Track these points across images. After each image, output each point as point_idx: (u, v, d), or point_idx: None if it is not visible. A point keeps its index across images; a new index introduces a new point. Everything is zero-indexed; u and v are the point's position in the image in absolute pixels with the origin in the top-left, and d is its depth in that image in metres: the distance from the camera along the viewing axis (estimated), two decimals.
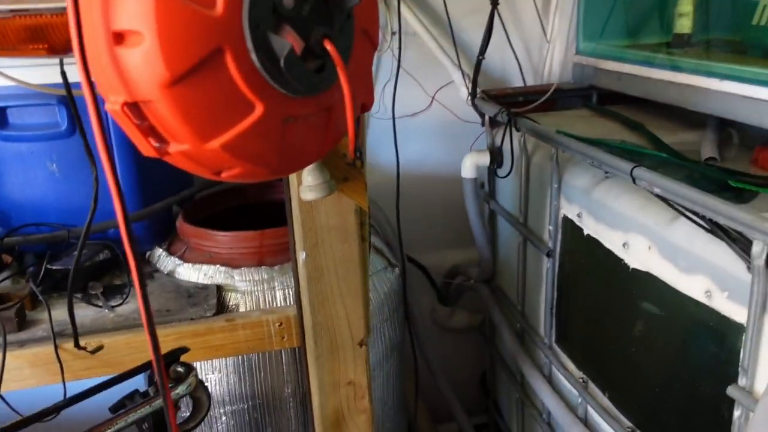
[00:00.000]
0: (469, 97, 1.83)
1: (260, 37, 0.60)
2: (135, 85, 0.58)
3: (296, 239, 1.04)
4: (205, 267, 1.31)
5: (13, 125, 1.33)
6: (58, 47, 0.68)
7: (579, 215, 1.27)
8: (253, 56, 0.60)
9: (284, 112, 0.65)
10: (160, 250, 1.42)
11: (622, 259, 1.14)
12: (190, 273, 1.32)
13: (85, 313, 1.20)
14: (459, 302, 2.09)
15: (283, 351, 1.29)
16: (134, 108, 0.60)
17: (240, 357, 1.28)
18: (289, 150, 0.68)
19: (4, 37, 0.66)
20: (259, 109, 0.62)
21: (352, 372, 1.10)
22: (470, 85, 1.82)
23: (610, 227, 1.16)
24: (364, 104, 0.81)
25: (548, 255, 1.40)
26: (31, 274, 1.26)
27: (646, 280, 1.07)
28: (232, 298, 1.27)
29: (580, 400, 1.34)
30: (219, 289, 1.27)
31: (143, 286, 0.62)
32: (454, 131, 1.92)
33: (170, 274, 1.34)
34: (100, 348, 1.03)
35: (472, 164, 1.65)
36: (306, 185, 0.89)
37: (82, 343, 1.10)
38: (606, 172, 1.20)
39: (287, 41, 0.61)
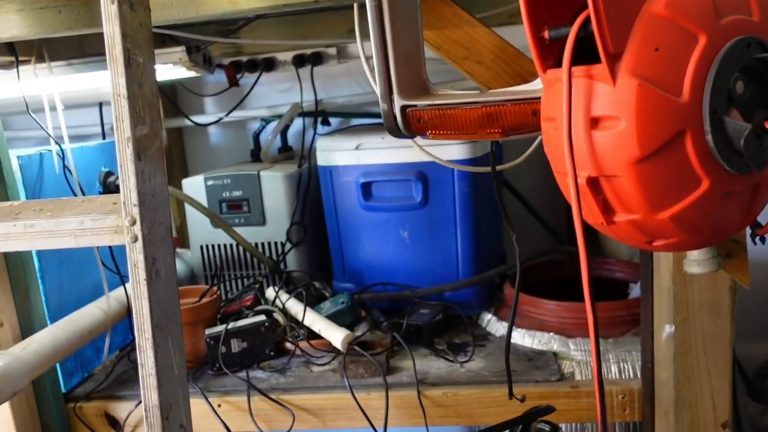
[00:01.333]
0: None
1: (717, 120, 0.67)
2: (604, 162, 0.68)
3: (659, 312, 1.06)
4: (539, 334, 1.38)
5: (375, 197, 1.55)
6: (507, 130, 0.81)
7: None
8: (709, 137, 0.67)
9: (723, 188, 0.70)
10: (489, 315, 1.52)
11: None
12: (525, 338, 1.39)
13: (438, 365, 1.33)
14: None
15: (617, 424, 1.30)
16: (595, 182, 0.70)
17: (575, 425, 1.31)
18: (720, 223, 0.73)
19: (469, 122, 0.81)
20: (705, 185, 0.68)
21: None
22: None
23: None
24: None
25: None
26: (388, 327, 1.43)
27: None
28: (567, 366, 1.31)
29: None
30: (555, 356, 1.33)
31: (595, 331, 0.69)
32: None
33: (503, 338, 1.43)
34: (524, 398, 1.13)
35: None
36: (693, 259, 0.91)
37: (443, 392, 1.23)
38: None
39: (745, 123, 0.66)
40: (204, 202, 1.65)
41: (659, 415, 1.11)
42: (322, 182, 1.61)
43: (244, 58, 1.92)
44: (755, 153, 0.68)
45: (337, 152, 1.58)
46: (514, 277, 1.61)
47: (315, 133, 1.82)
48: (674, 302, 1.02)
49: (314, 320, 1.39)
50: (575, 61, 0.68)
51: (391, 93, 0.82)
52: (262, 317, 1.41)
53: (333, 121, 1.95)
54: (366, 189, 1.54)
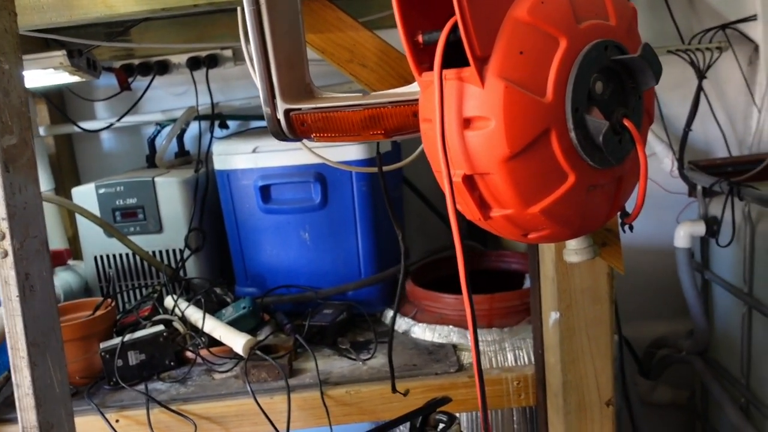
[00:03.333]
0: (674, 169, 1.85)
1: (578, 118, 0.71)
2: (477, 160, 0.71)
3: (545, 300, 1.11)
4: (438, 327, 1.42)
5: (275, 199, 1.54)
6: (390, 131, 0.83)
7: None
8: (572, 135, 0.71)
9: (589, 182, 0.75)
10: (392, 311, 1.55)
11: None
12: (425, 333, 1.43)
13: (341, 364, 1.34)
14: (662, 376, 2.04)
15: (514, 409, 1.35)
16: (470, 180, 0.73)
17: (474, 413, 1.35)
18: (588, 214, 0.77)
19: (353, 125, 0.82)
20: (571, 179, 0.73)
21: (599, 431, 1.13)
22: (674, 157, 1.85)
23: None
24: None
25: None
26: (291, 330, 1.43)
27: None
28: (466, 357, 1.35)
29: None
30: (455, 348, 1.37)
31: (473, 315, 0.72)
32: (657, 202, 1.94)
33: (405, 333, 1.46)
34: (408, 392, 1.14)
35: (686, 234, 1.66)
36: (571, 248, 0.97)
37: (346, 390, 1.24)
38: None
39: (603, 121, 0.71)
40: (96, 210, 1.59)
41: (550, 398, 1.17)
42: (220, 186, 1.59)
43: (136, 61, 1.86)
44: (614, 148, 0.73)
45: (235, 156, 1.56)
46: (415, 273, 1.65)
47: (212, 136, 1.79)
48: (558, 290, 1.07)
49: (215, 327, 1.37)
50: (448, 64, 0.71)
51: (273, 97, 0.82)
52: (161, 327, 1.37)
53: (231, 124, 1.93)
54: (265, 192, 1.54)
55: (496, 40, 0.68)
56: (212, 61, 1.85)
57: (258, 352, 1.30)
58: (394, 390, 1.09)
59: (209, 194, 1.67)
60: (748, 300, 1.52)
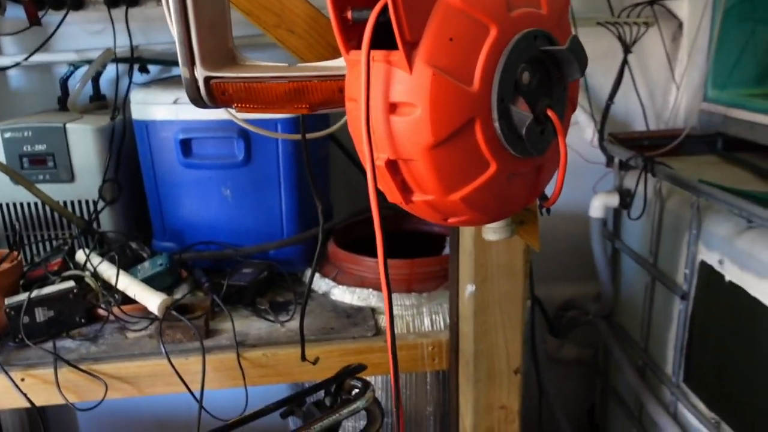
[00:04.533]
0: (594, 139, 1.90)
1: (503, 108, 0.71)
2: (401, 146, 0.70)
3: (463, 273, 1.14)
4: (358, 290, 1.43)
5: (196, 154, 1.49)
6: (315, 106, 0.81)
7: (720, 262, 1.32)
8: (496, 124, 0.71)
9: (509, 170, 0.76)
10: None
11: None
12: (345, 295, 1.44)
13: (259, 326, 1.33)
14: (569, 335, 2.15)
15: (429, 373, 1.39)
16: (393, 164, 0.72)
17: (389, 377, 1.38)
18: (507, 201, 0.79)
19: (277, 97, 0.79)
20: (493, 168, 0.73)
21: (506, 397, 1.18)
22: (596, 128, 1.90)
23: (758, 276, 1.21)
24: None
25: (683, 297, 1.45)
26: (209, 288, 1.41)
27: None
28: (384, 321, 1.38)
29: None
30: (373, 311, 1.39)
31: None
32: (577, 171, 1.99)
33: (325, 295, 1.47)
34: (317, 360, 1.15)
35: (600, 205, 1.72)
36: (490, 227, 0.99)
37: (262, 352, 1.24)
38: (750, 222, 1.25)
39: (527, 113, 0.71)
40: (1, 156, 1.50)
41: (462, 365, 1.21)
42: (138, 137, 1.53)
43: None
44: (536, 140, 0.73)
45: (154, 105, 1.49)
46: (338, 233, 1.65)
47: (131, 82, 1.70)
48: (475, 264, 1.09)
49: (129, 284, 1.33)
50: (377, 44, 0.69)
51: (193, 62, 0.78)
52: (71, 283, 1.32)
53: (152, 69, 1.83)
54: (185, 146, 1.48)
55: (427, 24, 0.67)
56: None
57: (173, 312, 1.28)
58: (303, 358, 1.10)
59: (126, 144, 1.60)
60: (652, 271, 1.60)
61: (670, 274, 1.53)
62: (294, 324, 1.34)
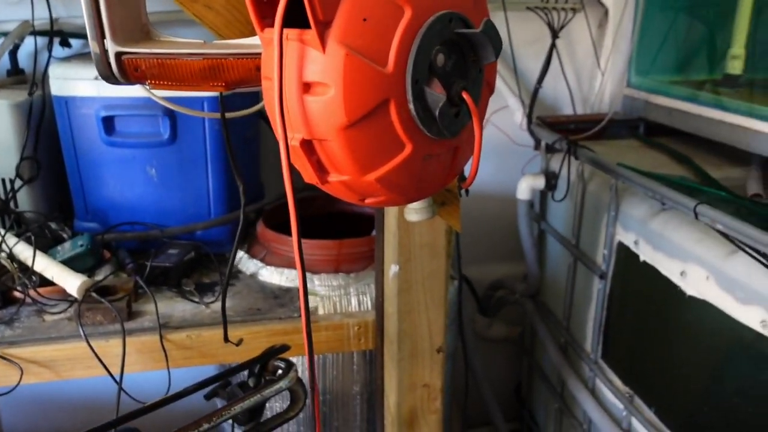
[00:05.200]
0: (523, 122, 1.94)
1: (418, 90, 0.72)
2: (315, 126, 0.70)
3: (387, 253, 1.15)
4: (287, 271, 1.43)
5: (119, 132, 1.45)
6: (231, 84, 0.80)
7: (636, 242, 1.38)
8: (411, 106, 0.72)
9: (425, 151, 0.77)
10: (242, 252, 1.53)
11: (678, 287, 1.24)
12: (273, 276, 1.43)
13: (183, 307, 1.32)
14: (498, 314, 2.20)
15: (356, 353, 1.41)
16: (308, 144, 0.72)
17: (318, 357, 1.39)
18: (423, 182, 0.80)
19: (192, 74, 0.78)
20: (408, 149, 0.74)
21: (428, 376, 1.21)
22: (524, 111, 1.94)
23: (668, 256, 1.27)
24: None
25: (601, 277, 1.50)
26: (132, 270, 1.38)
27: (703, 307, 1.17)
28: (311, 301, 1.38)
29: (624, 413, 1.44)
30: None
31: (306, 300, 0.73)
32: (506, 153, 2.03)
33: (253, 276, 1.46)
34: (241, 341, 1.14)
35: (527, 187, 1.76)
36: (412, 208, 1.00)
37: (186, 334, 1.23)
38: (663, 204, 1.31)
39: (440, 94, 0.72)
40: None
41: (387, 345, 1.23)
42: (58, 114, 1.47)
43: None
44: (450, 122, 0.75)
45: (75, 81, 1.44)
46: (268, 214, 1.64)
47: (50, 56, 1.63)
48: (398, 245, 1.11)
49: (47, 266, 1.29)
50: (292, 22, 0.69)
51: (103, 36, 0.76)
52: None
53: (74, 43, 1.76)
54: (108, 123, 1.44)
55: (341, 4, 0.67)
56: None
57: (93, 294, 1.25)
58: (226, 339, 1.10)
59: (46, 121, 1.54)
60: (574, 252, 1.66)
61: (590, 255, 1.59)
62: (219, 305, 1.33)
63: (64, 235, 1.44)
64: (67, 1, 1.75)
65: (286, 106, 0.70)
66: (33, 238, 1.32)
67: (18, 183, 1.48)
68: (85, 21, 0.74)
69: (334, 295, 1.39)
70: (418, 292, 1.15)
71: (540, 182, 1.75)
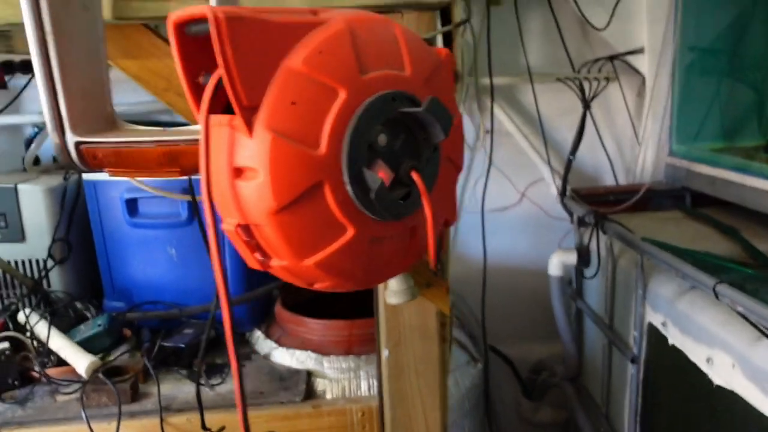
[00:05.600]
0: (559, 195, 1.88)
1: (356, 171, 0.70)
2: (248, 211, 0.69)
3: (381, 336, 1.11)
4: (298, 352, 1.40)
5: (142, 213, 1.50)
6: (188, 170, 0.81)
7: (664, 324, 1.27)
8: (348, 188, 0.70)
9: (371, 234, 0.74)
10: (259, 332, 1.53)
11: (706, 374, 1.13)
12: (284, 357, 1.41)
13: (189, 389, 1.31)
14: (544, 398, 2.07)
15: None
16: (245, 229, 0.71)
17: None
18: (374, 265, 0.76)
19: (148, 161, 0.79)
20: (350, 232, 0.71)
21: None
22: (560, 183, 1.87)
23: (695, 340, 1.16)
24: (447, 221, 0.89)
25: (633, 361, 1.39)
26: (146, 349, 1.39)
27: (731, 398, 1.05)
28: (320, 384, 1.34)
29: None
30: (309, 374, 1.35)
31: (240, 375, 0.71)
32: (543, 226, 1.97)
33: (266, 357, 1.44)
34: (222, 429, 1.12)
35: (559, 262, 1.68)
36: (391, 290, 0.96)
37: (186, 417, 1.21)
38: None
39: (378, 176, 0.70)
40: None
41: None
42: (88, 196, 1.54)
43: (17, 58, 1.79)
44: (389, 204, 0.72)
45: None
46: (286, 293, 1.63)
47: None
48: (387, 327, 1.07)
49: (62, 346, 1.32)
50: (228, 108, 0.69)
51: (62, 128, 0.79)
52: (5, 344, 1.32)
53: None
54: (132, 205, 1.49)
55: (269, 89, 0.67)
56: None
57: (100, 375, 1.26)
58: (203, 427, 1.07)
59: (80, 204, 1.62)
60: (607, 332, 1.55)
61: (623, 336, 1.48)
62: (225, 387, 1.32)
63: (88, 315, 1.48)
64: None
65: (220, 191, 0.70)
66: (49, 317, 1.36)
67: (50, 264, 1.55)
68: (45, 113, 0.78)
69: (344, 378, 1.35)
70: (410, 378, 1.09)
71: (572, 258, 1.67)
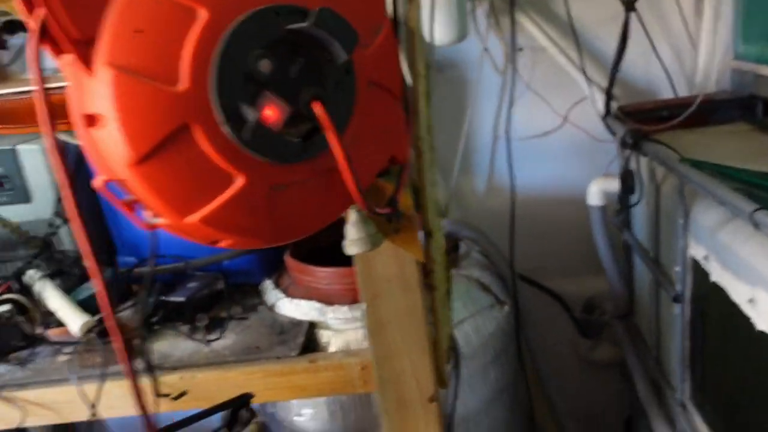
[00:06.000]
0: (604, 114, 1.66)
1: (230, 108, 0.57)
2: (110, 165, 0.58)
3: (360, 290, 1.00)
4: (303, 302, 1.32)
5: None
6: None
7: (706, 258, 1.08)
8: (226, 129, 0.57)
9: (270, 181, 0.62)
10: (269, 281, 1.45)
11: (749, 318, 0.94)
12: (288, 308, 1.33)
13: (186, 346, 1.26)
14: (602, 335, 1.91)
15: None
16: (116, 185, 0.61)
17: (324, 398, 1.27)
18: (283, 218, 0.64)
19: (16, 115, 0.70)
20: (239, 181, 0.60)
21: (423, 429, 1.03)
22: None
23: (736, 277, 0.97)
24: (394, 157, 0.75)
25: (676, 300, 1.21)
26: (150, 305, 1.35)
27: None
28: (324, 336, 1.26)
29: None
30: (312, 326, 1.27)
31: None
32: (583, 151, 1.76)
33: (272, 308, 1.37)
34: (182, 394, 1.06)
35: (598, 191, 1.49)
36: (349, 239, 0.84)
37: (179, 376, 1.17)
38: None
39: (253, 111, 0.57)
40: None
41: (376, 394, 1.06)
42: None
43: None
44: (275, 143, 0.59)
45: None
46: (295, 244, 1.54)
47: None
48: (362, 280, 0.95)
49: (60, 306, 1.30)
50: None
51: None
52: (8, 306, 1.31)
53: None
54: None
55: (107, 16, 0.55)
56: None
57: (93, 334, 1.23)
58: (157, 394, 1.01)
59: (85, 160, 1.57)
60: (652, 267, 1.36)
61: (669, 271, 1.29)
62: (221, 343, 1.26)
63: None
64: None
65: (82, 143, 0.59)
66: (51, 277, 1.34)
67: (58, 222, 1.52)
68: None
69: (350, 329, 1.26)
70: (393, 334, 0.97)
71: (613, 185, 1.47)
